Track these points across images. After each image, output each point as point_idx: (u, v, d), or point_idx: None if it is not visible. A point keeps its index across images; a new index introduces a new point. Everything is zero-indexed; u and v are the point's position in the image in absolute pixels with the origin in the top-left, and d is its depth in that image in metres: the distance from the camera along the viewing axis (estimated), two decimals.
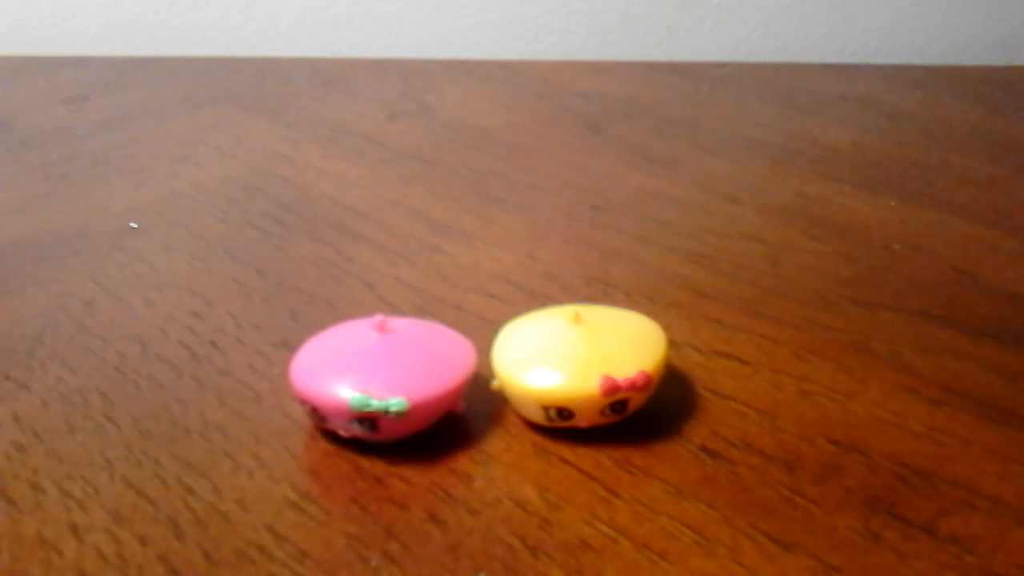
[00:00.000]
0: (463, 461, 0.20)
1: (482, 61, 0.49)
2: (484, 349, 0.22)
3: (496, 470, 0.20)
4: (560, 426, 0.21)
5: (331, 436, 0.21)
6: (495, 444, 0.21)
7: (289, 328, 0.25)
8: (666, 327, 0.22)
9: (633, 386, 0.20)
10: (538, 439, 0.21)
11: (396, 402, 0.19)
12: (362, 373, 0.20)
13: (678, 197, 0.33)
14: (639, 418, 0.21)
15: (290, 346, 0.23)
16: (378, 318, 0.21)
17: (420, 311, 0.25)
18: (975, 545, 0.18)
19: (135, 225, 0.31)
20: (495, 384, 0.21)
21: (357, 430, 0.20)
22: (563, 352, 0.21)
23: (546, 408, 0.20)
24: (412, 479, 0.20)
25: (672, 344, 0.22)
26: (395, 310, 0.25)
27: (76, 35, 0.56)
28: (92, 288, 0.27)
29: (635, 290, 0.27)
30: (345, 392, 0.20)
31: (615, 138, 0.38)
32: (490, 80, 0.45)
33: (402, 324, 0.22)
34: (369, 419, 0.20)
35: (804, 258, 0.28)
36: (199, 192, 0.33)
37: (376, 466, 0.20)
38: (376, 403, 0.19)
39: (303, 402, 0.20)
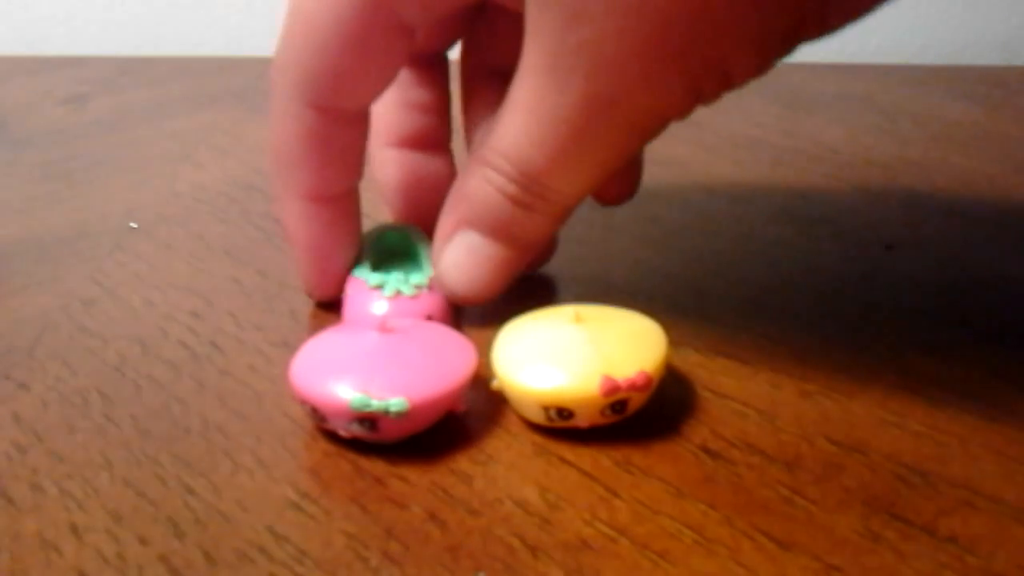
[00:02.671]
0: (463, 461, 0.20)
1: None
2: (484, 349, 0.22)
3: (496, 470, 0.20)
4: (560, 426, 0.21)
5: (331, 436, 0.21)
6: (495, 444, 0.21)
7: (289, 328, 0.25)
8: (666, 327, 0.22)
9: (633, 386, 0.20)
10: (538, 439, 0.21)
11: (396, 402, 0.19)
12: (362, 373, 0.20)
13: (678, 197, 0.33)
14: (639, 418, 0.21)
15: (290, 346, 0.23)
16: (378, 318, 0.21)
17: None
18: (975, 545, 0.18)
19: (135, 225, 0.31)
20: (495, 384, 0.21)
21: (357, 430, 0.20)
22: (563, 352, 0.21)
23: (546, 408, 0.20)
24: (412, 479, 0.20)
25: (672, 344, 0.22)
26: None
27: (76, 35, 0.56)
28: (92, 288, 0.27)
29: (635, 290, 0.27)
30: (345, 392, 0.20)
31: None
32: None
33: (402, 324, 0.22)
34: (369, 419, 0.20)
35: (804, 258, 0.28)
36: (199, 192, 0.33)
37: (376, 466, 0.20)
38: (376, 403, 0.19)
39: (303, 402, 0.20)
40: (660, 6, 0.18)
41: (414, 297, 0.24)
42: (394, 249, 0.26)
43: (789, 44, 0.20)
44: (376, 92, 0.23)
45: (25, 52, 0.53)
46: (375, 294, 0.24)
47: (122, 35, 0.55)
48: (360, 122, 0.24)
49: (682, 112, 0.21)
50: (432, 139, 0.27)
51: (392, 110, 0.26)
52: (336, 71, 0.22)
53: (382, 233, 0.26)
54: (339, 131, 0.23)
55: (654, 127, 0.21)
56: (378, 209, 0.28)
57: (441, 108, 0.27)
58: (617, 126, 0.20)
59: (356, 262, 0.25)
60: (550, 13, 0.19)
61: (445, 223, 0.23)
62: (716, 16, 0.19)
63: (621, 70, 0.19)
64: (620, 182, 0.26)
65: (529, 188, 0.22)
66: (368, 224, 0.26)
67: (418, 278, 0.24)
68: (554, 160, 0.21)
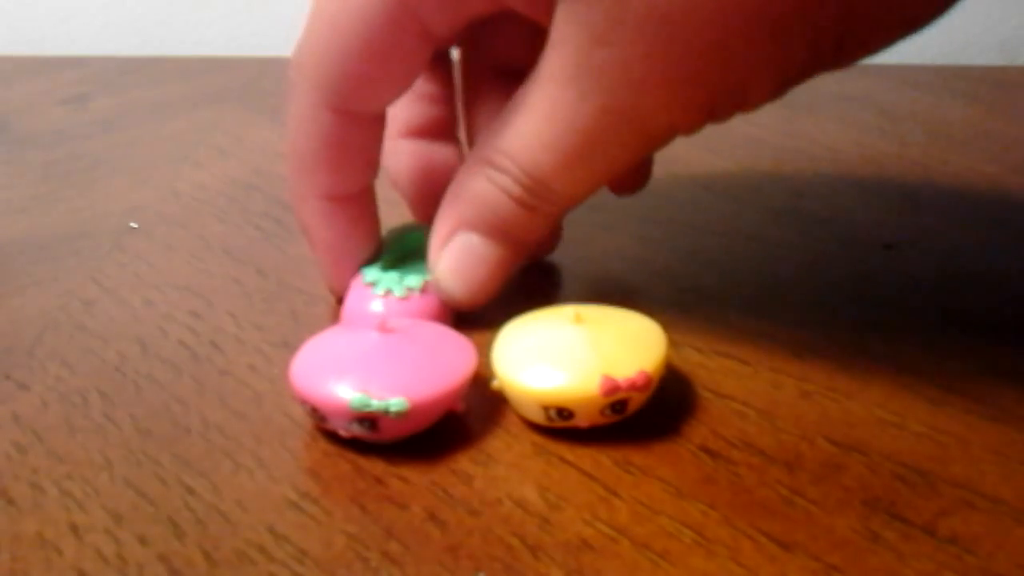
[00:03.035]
0: (463, 461, 0.20)
1: None
2: (484, 349, 0.22)
3: (496, 470, 0.20)
4: (560, 426, 0.21)
5: (331, 436, 0.21)
6: (495, 444, 0.21)
7: (289, 328, 0.25)
8: (666, 327, 0.22)
9: (633, 386, 0.20)
10: (538, 439, 0.21)
11: (396, 402, 0.19)
12: (362, 373, 0.20)
13: (678, 197, 0.33)
14: (639, 418, 0.21)
15: (290, 346, 0.23)
16: (378, 318, 0.21)
17: None
18: (975, 545, 0.18)
19: (135, 225, 0.31)
20: (495, 384, 0.21)
21: (357, 430, 0.20)
22: (563, 352, 0.21)
23: (546, 408, 0.20)
24: (412, 479, 0.20)
25: (672, 344, 0.22)
26: None
27: (76, 35, 0.56)
28: (92, 288, 0.27)
29: (635, 290, 0.27)
30: (345, 392, 0.20)
31: None
32: None
33: (402, 324, 0.22)
34: (369, 419, 0.20)
35: (804, 258, 0.28)
36: (199, 192, 0.33)
37: (376, 466, 0.20)
38: (376, 403, 0.19)
39: (303, 402, 0.20)
40: (686, 35, 0.19)
41: (403, 299, 0.24)
42: (419, 249, 0.26)
43: (804, 75, 0.20)
44: (396, 96, 0.23)
45: (26, 52, 0.53)
46: (367, 291, 0.24)
47: (122, 35, 0.55)
48: (378, 122, 0.24)
49: (693, 129, 0.21)
50: (441, 128, 0.27)
51: (401, 102, 0.26)
52: (359, 76, 0.22)
53: (404, 233, 0.26)
54: (358, 132, 0.23)
55: (664, 140, 0.22)
56: (396, 211, 0.28)
57: (447, 98, 0.27)
58: (629, 138, 0.21)
59: (374, 259, 0.25)
60: (579, 27, 0.20)
61: (442, 226, 0.23)
62: (738, 47, 0.19)
63: (642, 89, 0.20)
64: (633, 174, 0.27)
65: (533, 190, 0.22)
66: (392, 223, 0.26)
67: (414, 280, 0.24)
68: (563, 165, 0.21)
